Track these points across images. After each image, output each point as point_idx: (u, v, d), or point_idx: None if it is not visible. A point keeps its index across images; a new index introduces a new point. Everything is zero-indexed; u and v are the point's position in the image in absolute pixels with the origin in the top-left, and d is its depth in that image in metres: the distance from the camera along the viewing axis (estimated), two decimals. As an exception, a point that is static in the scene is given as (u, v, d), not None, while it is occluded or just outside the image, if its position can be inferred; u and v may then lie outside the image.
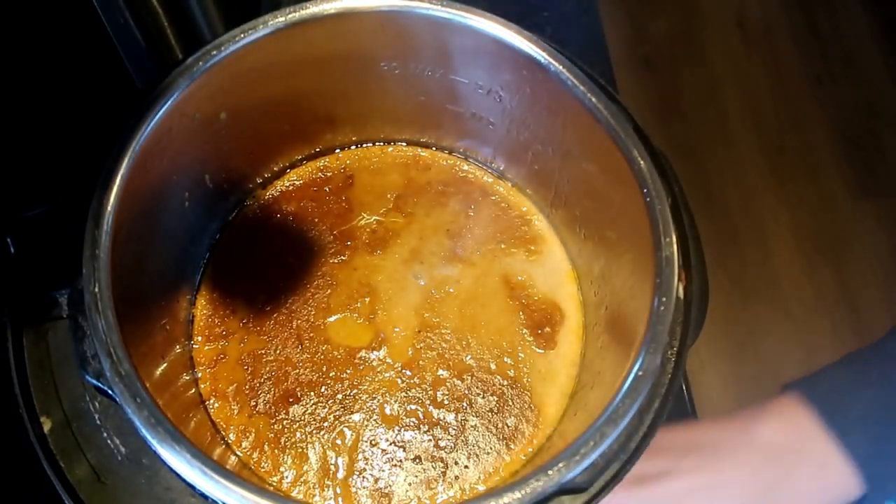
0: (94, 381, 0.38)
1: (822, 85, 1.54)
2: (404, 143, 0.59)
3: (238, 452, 0.48)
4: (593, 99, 0.43)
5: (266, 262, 0.53)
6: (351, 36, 0.47)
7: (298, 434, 0.48)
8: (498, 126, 0.53)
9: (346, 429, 0.49)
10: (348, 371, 0.50)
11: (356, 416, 0.49)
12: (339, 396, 0.49)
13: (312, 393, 0.49)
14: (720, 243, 1.40)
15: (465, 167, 0.58)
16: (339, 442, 0.48)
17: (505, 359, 0.51)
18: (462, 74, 0.50)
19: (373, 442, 0.48)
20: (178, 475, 0.36)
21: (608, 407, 0.37)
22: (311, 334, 0.51)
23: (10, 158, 0.45)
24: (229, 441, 0.48)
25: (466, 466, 0.48)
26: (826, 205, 1.44)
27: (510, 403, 0.50)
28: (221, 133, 0.49)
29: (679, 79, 1.52)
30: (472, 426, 0.49)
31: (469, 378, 0.50)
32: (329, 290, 0.53)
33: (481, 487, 0.48)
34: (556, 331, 0.52)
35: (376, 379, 0.50)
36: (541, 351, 0.51)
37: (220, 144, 0.49)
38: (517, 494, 0.35)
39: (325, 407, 0.49)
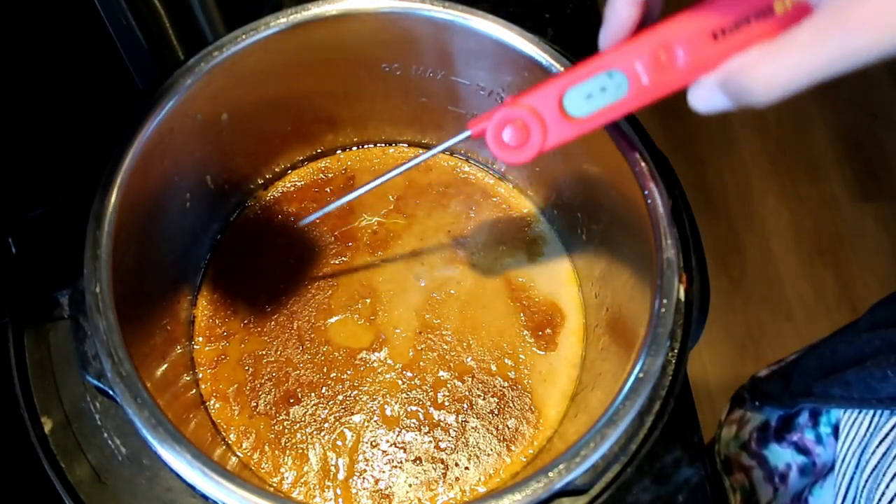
0: (95, 382, 0.38)
1: (823, 86, 1.53)
2: (405, 145, 0.59)
3: (238, 453, 0.48)
4: (594, 100, 0.43)
5: (267, 263, 0.54)
6: (352, 37, 0.47)
7: (299, 435, 0.48)
8: (499, 127, 0.53)
9: (346, 430, 0.49)
10: (349, 372, 0.50)
11: (357, 418, 0.49)
12: (340, 397, 0.49)
13: (313, 394, 0.49)
14: (721, 244, 1.40)
15: (466, 168, 0.58)
16: (339, 443, 0.48)
17: (506, 360, 0.51)
18: (463, 76, 0.50)
19: (373, 443, 0.48)
20: (178, 476, 0.36)
21: (609, 409, 0.37)
22: (312, 335, 0.51)
23: (11, 158, 0.45)
24: (230, 442, 0.48)
25: (467, 468, 0.48)
26: (827, 206, 1.44)
27: (511, 405, 0.50)
28: (223, 134, 0.49)
29: (680, 80, 1.52)
30: (472, 427, 0.49)
31: (470, 379, 0.50)
32: (330, 291, 0.53)
33: (482, 489, 0.48)
34: (556, 332, 0.52)
35: (377, 380, 0.50)
36: (541, 352, 0.51)
37: (222, 145, 0.49)
38: (518, 496, 0.35)
39: (325, 408, 0.49)
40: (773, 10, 0.30)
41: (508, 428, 0.49)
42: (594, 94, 0.35)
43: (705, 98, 0.33)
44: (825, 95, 1.53)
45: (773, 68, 0.29)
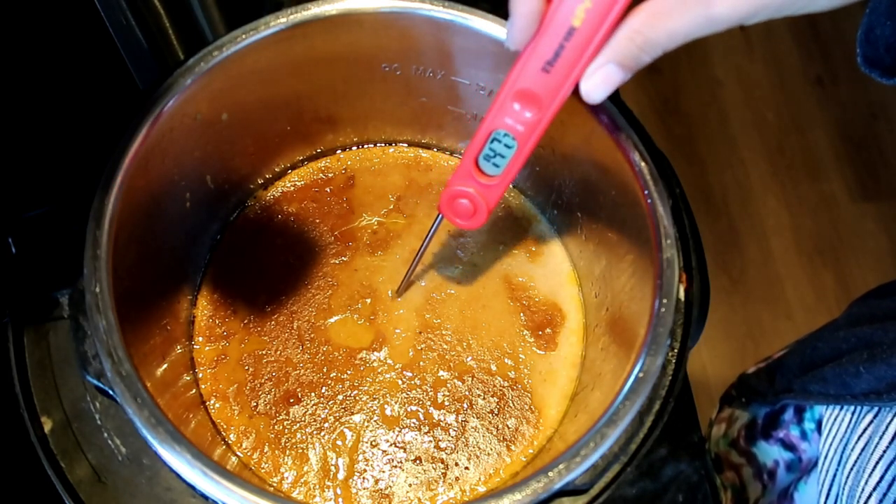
0: (95, 382, 0.38)
1: (823, 86, 1.53)
2: (405, 144, 0.59)
3: (238, 453, 0.48)
4: (594, 100, 0.43)
5: (267, 263, 0.53)
6: (352, 37, 0.47)
7: (299, 435, 0.48)
8: (499, 127, 0.53)
9: (346, 430, 0.49)
10: (349, 372, 0.50)
11: (357, 417, 0.49)
12: (340, 397, 0.49)
13: (313, 394, 0.49)
14: (721, 244, 1.40)
15: (466, 168, 0.58)
16: (339, 443, 0.48)
17: (506, 360, 0.51)
18: (463, 75, 0.50)
19: (373, 443, 0.48)
20: (178, 476, 0.36)
21: (609, 408, 0.37)
22: (312, 335, 0.51)
23: (11, 159, 0.45)
24: (230, 441, 0.48)
25: (467, 468, 0.48)
26: (826, 206, 1.44)
27: (511, 405, 0.50)
28: (223, 133, 0.49)
29: (680, 80, 1.52)
30: (472, 427, 0.49)
31: (470, 379, 0.50)
32: (330, 291, 0.53)
33: (482, 489, 0.48)
34: (556, 332, 0.52)
35: (377, 380, 0.50)
36: (541, 352, 0.51)
37: (222, 145, 0.49)
38: (517, 496, 0.35)
39: (325, 408, 0.49)
40: (574, 28, 0.33)
41: (508, 428, 0.49)
42: (498, 152, 0.40)
43: (601, 80, 0.35)
44: (825, 95, 1.53)
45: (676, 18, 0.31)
